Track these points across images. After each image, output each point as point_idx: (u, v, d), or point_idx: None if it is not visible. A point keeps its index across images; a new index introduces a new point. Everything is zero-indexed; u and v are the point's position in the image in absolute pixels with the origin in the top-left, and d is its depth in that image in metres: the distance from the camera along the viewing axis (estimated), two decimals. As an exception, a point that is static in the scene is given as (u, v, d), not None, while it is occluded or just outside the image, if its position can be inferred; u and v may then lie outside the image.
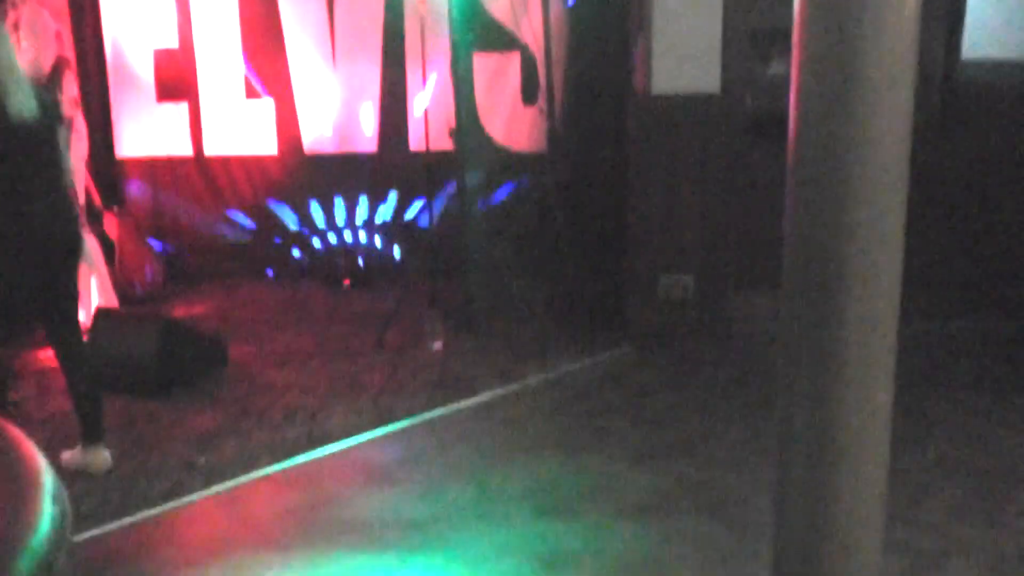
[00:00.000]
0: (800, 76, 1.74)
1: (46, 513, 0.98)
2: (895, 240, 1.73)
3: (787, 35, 1.88)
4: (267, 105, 6.55)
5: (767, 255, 5.25)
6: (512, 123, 6.35)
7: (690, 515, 3.32)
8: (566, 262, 5.43)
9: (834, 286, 1.72)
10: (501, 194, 6.16)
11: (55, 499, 1.02)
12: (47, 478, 1.06)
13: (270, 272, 6.75)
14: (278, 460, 3.89)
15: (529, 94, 6.30)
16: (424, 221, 6.00)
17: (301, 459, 3.91)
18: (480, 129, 6.28)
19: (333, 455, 3.96)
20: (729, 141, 5.11)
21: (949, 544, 3.08)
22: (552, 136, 5.56)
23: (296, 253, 6.74)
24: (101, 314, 4.93)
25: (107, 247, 5.92)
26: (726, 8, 5.01)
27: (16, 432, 1.16)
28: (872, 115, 1.63)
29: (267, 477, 3.79)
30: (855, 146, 1.68)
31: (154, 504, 3.56)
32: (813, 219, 1.74)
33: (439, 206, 5.58)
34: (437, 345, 5.09)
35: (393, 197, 6.57)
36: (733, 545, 3.10)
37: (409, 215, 6.55)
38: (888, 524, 1.81)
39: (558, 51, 6.09)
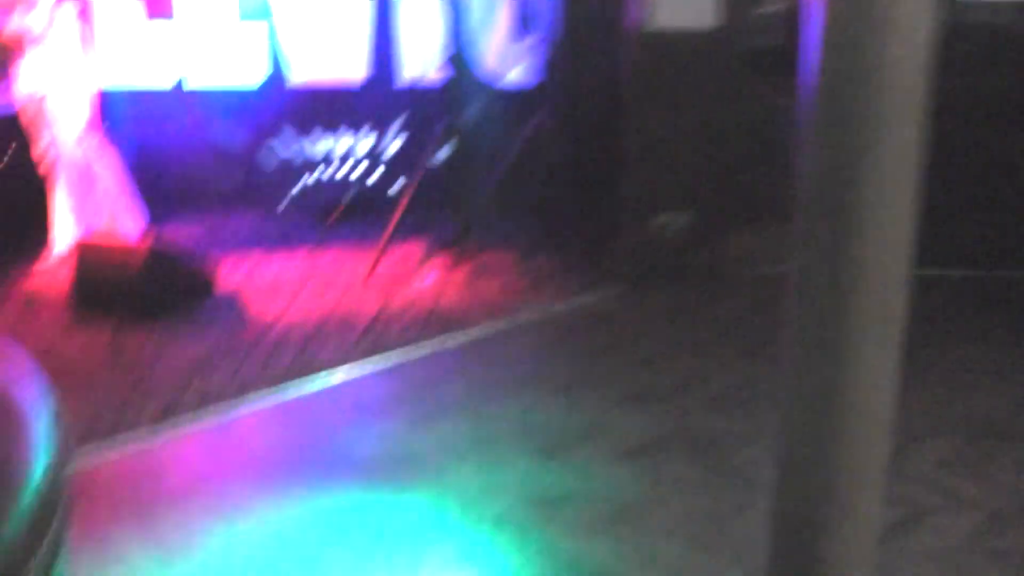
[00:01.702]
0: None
1: (50, 436, 0.94)
2: (910, 179, 1.67)
3: None
4: (260, 29, 6.41)
5: (762, 194, 5.27)
6: (506, 55, 6.26)
7: (681, 460, 3.31)
8: (560, 198, 5.38)
9: (848, 228, 1.67)
10: (494, 128, 6.08)
11: (57, 422, 0.97)
12: (49, 400, 1.02)
13: (262, 203, 6.65)
14: (269, 389, 3.87)
15: (524, 26, 6.21)
16: (416, 154, 5.92)
17: (292, 389, 3.88)
18: (474, 61, 6.19)
19: (323, 387, 3.93)
20: (726, 78, 5.05)
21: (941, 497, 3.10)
22: (547, 69, 5.48)
23: (287, 185, 6.65)
24: (85, 245, 4.87)
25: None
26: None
27: (17, 350, 1.12)
28: (889, 42, 1.58)
29: (257, 406, 3.76)
30: (873, 71, 1.62)
31: (143, 428, 3.53)
32: (826, 156, 1.68)
33: (431, 139, 5.49)
34: (428, 279, 5.05)
35: (385, 129, 6.49)
36: (723, 492, 3.10)
37: (402, 148, 6.47)
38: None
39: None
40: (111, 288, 4.67)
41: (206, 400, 3.78)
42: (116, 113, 6.44)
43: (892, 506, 2.94)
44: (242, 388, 3.87)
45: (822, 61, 1.74)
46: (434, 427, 3.53)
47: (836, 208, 1.63)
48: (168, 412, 3.66)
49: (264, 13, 6.27)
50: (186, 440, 3.52)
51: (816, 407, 1.72)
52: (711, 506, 2.99)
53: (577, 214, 5.62)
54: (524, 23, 6.13)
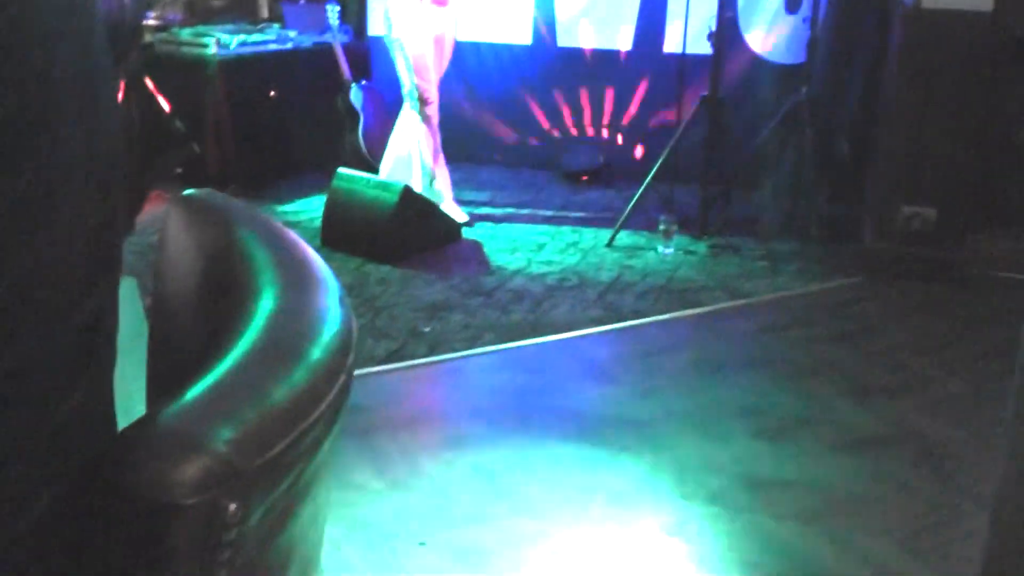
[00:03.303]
0: None
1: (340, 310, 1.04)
2: None
3: None
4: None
5: (1017, 196, 4.98)
6: (773, 31, 6.16)
7: (903, 460, 3.23)
8: (809, 180, 5.27)
9: None
10: (754, 103, 5.99)
11: (342, 301, 1.08)
12: (333, 281, 1.12)
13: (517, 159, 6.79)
14: (501, 340, 4.03)
15: (794, 1, 6.08)
16: (671, 125, 5.92)
17: (524, 342, 4.03)
18: (739, 36, 6.12)
19: (555, 343, 4.05)
20: (994, 68, 4.78)
21: None
22: (811, 47, 5.34)
23: (535, 143, 6.79)
24: (343, 175, 5.14)
25: (354, 117, 6.17)
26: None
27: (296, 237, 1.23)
28: None
29: (489, 354, 3.93)
30: None
31: (378, 363, 3.77)
32: None
33: (685, 111, 5.48)
34: (667, 250, 5.08)
35: (643, 96, 6.52)
36: (939, 497, 3.00)
37: (656, 117, 6.49)
38: None
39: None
40: (363, 222, 4.93)
41: (438, 343, 3.98)
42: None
43: None
44: (475, 337, 4.05)
45: None
46: (658, 396, 3.59)
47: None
48: (401, 351, 3.88)
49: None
50: (415, 378, 3.73)
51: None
52: (928, 512, 2.92)
53: (824, 198, 5.48)
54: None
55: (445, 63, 5.46)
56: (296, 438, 0.83)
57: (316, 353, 0.92)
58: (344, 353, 0.96)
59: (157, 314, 1.19)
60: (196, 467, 0.74)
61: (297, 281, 1.05)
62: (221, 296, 1.04)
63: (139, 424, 0.80)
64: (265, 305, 0.96)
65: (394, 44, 5.16)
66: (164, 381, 1.08)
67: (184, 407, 0.81)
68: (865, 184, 5.51)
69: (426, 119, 5.30)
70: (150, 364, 1.17)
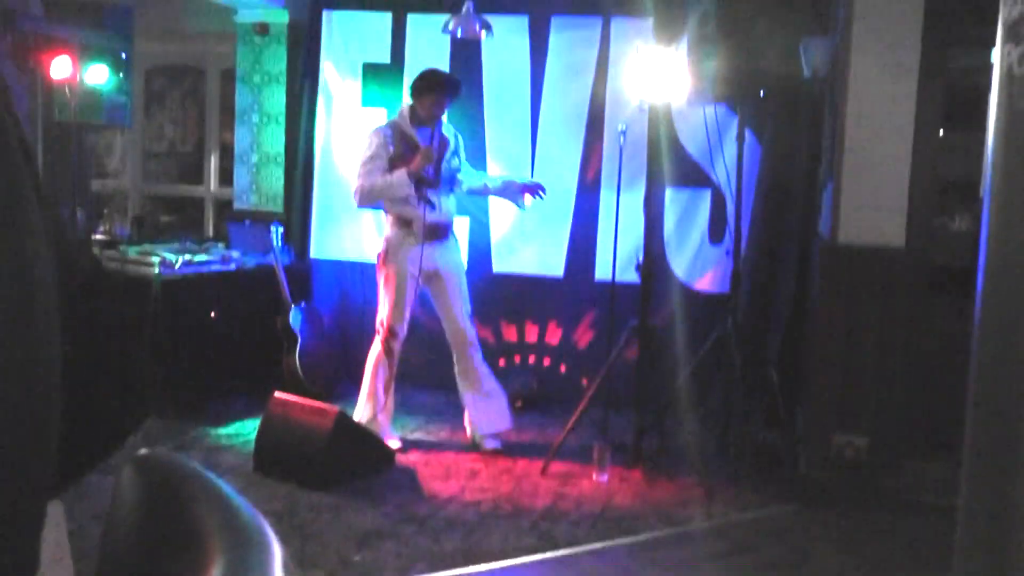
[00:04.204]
0: (990, 234, 1.69)
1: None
2: None
3: (975, 189, 1.87)
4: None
5: (945, 422, 5.09)
6: (697, 261, 6.38)
7: None
8: (740, 408, 5.34)
9: (1016, 470, 1.64)
10: (680, 335, 6.13)
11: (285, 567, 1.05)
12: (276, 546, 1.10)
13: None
14: (433, 570, 3.91)
15: (717, 233, 6.33)
16: (602, 351, 6.02)
17: (457, 571, 3.92)
18: (666, 265, 6.32)
19: (489, 574, 3.95)
20: (913, 297, 5.00)
21: None
22: (735, 278, 5.53)
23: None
24: (278, 400, 5.12)
25: (292, 339, 6.19)
26: (915, 160, 4.98)
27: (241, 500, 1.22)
28: None
29: (421, 586, 3.81)
30: None
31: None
32: (999, 380, 1.66)
33: (619, 337, 5.58)
34: (602, 477, 5.06)
35: (575, 323, 6.64)
36: None
37: (587, 343, 6.59)
38: None
39: (748, 191, 6.09)
40: (297, 447, 4.86)
41: (369, 572, 3.85)
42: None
43: None
44: (406, 567, 3.93)
45: (995, 287, 1.74)
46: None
47: (1005, 450, 1.61)
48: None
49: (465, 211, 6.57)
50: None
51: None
52: None
53: (756, 425, 5.55)
54: (719, 229, 6.25)
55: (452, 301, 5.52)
56: None
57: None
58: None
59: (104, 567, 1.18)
60: None
61: (242, 546, 1.04)
62: (169, 559, 1.04)
63: None
64: (215, 573, 0.96)
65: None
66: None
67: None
68: (797, 412, 5.60)
69: (389, 351, 5.36)
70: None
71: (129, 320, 5.23)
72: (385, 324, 5.40)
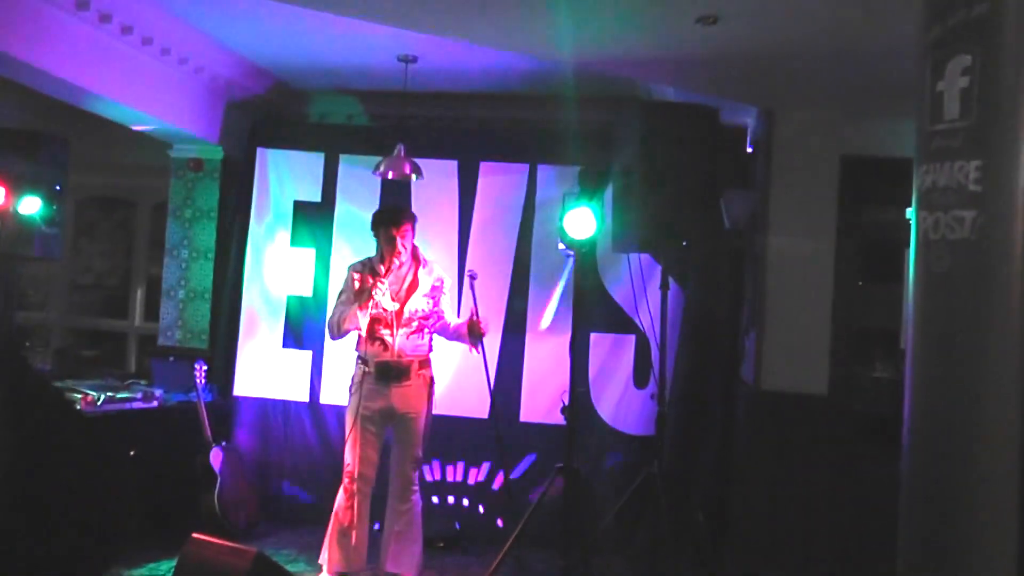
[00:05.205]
0: (914, 386, 1.77)
1: None
2: (1011, 553, 1.69)
3: (895, 337, 1.96)
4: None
5: (870, 566, 5.15)
6: (622, 405, 6.45)
7: None
8: (667, 550, 5.34)
9: None
10: (606, 476, 6.16)
11: None
12: None
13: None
14: None
15: (641, 377, 6.42)
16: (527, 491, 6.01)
17: None
18: (591, 407, 6.37)
19: None
20: (836, 443, 5.11)
21: None
22: (660, 422, 5.60)
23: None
24: (195, 540, 4.97)
25: (211, 478, 6.09)
26: (835, 309, 5.16)
27: None
28: (982, 430, 1.64)
29: None
30: (968, 461, 1.66)
31: None
32: (926, 532, 1.71)
33: (544, 479, 5.58)
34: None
35: (497, 464, 6.59)
36: None
37: (510, 483, 6.56)
38: None
39: (671, 337, 6.21)
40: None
41: None
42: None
43: None
44: None
45: (921, 432, 1.82)
46: None
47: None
48: None
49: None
50: None
51: None
52: None
53: (683, 566, 5.55)
54: (643, 374, 6.34)
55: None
56: None
57: None
58: None
59: None
60: None
61: None
62: None
63: None
64: None
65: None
66: None
67: None
68: (725, 554, 5.62)
69: (350, 494, 5.26)
70: None
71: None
72: (346, 466, 5.30)
